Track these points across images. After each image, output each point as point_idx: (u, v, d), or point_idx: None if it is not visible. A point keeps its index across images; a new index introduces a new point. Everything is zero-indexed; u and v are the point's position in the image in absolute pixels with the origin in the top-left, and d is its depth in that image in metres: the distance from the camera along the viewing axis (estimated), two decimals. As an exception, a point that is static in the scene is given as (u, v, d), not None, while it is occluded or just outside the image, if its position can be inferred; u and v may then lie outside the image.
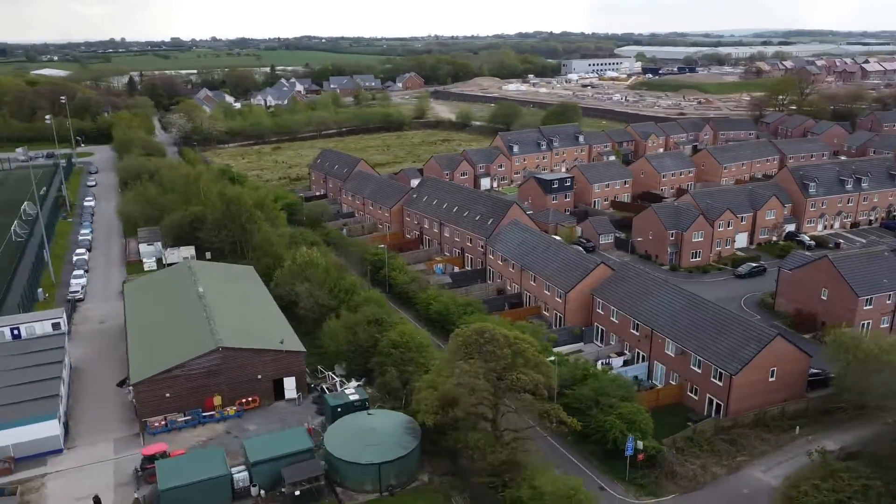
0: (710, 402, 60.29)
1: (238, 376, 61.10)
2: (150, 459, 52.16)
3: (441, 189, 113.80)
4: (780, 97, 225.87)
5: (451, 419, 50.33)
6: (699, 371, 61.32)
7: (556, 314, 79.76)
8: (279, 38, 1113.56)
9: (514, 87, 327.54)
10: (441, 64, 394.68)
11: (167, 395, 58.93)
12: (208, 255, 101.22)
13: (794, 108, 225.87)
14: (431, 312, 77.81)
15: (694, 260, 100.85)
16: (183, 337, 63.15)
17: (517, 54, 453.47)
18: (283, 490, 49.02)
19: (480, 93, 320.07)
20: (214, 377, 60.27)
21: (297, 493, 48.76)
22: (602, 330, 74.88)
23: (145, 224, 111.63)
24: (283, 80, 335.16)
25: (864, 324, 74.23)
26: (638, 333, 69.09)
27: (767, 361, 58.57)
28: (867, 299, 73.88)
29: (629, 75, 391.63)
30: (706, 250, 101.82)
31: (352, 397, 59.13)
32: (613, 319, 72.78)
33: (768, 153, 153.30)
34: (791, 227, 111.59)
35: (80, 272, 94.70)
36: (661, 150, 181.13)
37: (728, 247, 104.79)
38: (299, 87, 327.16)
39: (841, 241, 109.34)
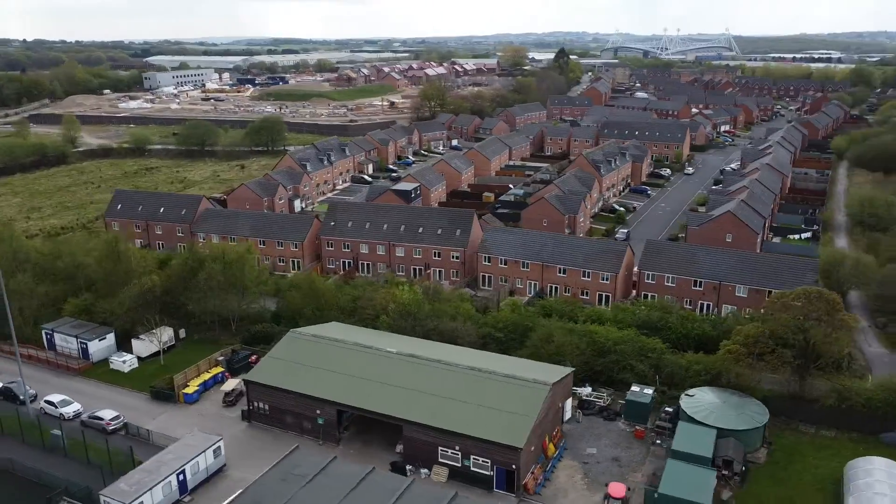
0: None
1: (551, 412, 60.21)
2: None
3: (363, 211, 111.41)
4: (431, 102, 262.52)
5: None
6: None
7: (600, 295, 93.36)
8: None
9: (136, 105, 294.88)
10: (3, 82, 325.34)
11: (532, 449, 55.39)
12: (182, 332, 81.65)
13: (438, 109, 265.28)
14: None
15: (581, 236, 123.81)
16: (488, 395, 57.99)
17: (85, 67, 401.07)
18: (735, 471, 55.17)
19: (96, 113, 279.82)
20: (545, 419, 58.42)
21: (744, 468, 55.88)
22: (654, 296, 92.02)
23: (36, 319, 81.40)
24: None
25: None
26: (702, 289, 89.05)
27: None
28: (758, 233, 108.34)
29: (230, 86, 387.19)
30: (584, 226, 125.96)
31: (647, 392, 65.06)
32: (669, 284, 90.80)
33: (503, 148, 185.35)
34: (604, 200, 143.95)
35: (60, 397, 67.13)
36: (394, 154, 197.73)
37: (586, 221, 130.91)
38: None
39: (633, 205, 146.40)
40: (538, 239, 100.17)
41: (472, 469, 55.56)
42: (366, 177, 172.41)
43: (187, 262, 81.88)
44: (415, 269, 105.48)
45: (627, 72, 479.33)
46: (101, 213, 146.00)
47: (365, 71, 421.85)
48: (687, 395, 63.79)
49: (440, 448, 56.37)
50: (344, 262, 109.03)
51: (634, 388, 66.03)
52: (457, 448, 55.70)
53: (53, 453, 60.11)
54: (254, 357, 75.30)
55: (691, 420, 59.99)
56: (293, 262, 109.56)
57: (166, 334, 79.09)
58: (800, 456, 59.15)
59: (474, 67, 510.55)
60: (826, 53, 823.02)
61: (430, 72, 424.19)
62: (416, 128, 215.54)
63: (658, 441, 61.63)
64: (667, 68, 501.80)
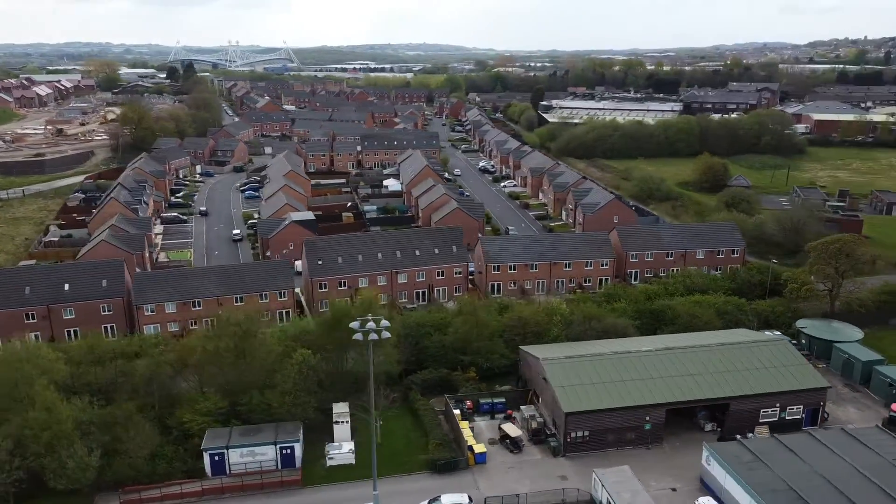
0: (731, 269, 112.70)
1: (772, 361, 74.99)
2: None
3: (348, 244, 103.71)
4: (133, 126, 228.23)
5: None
6: (723, 256, 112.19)
7: (601, 279, 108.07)
8: None
9: None
10: None
11: (810, 388, 69.56)
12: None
13: (134, 130, 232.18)
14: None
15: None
16: (759, 359, 69.35)
17: None
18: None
19: None
20: (785, 365, 72.96)
21: (884, 362, 79.85)
22: (637, 272, 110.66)
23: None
24: None
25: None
26: (672, 258, 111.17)
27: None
28: (636, 214, 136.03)
29: None
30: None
31: (777, 333, 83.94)
32: (649, 259, 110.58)
33: (300, 169, 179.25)
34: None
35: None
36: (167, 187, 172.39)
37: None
38: None
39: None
40: (533, 241, 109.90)
41: (786, 419, 67.24)
42: (179, 215, 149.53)
43: (333, 321, 69.96)
44: (418, 293, 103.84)
45: (249, 85, 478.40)
46: None
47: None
48: (802, 327, 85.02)
49: (762, 410, 66.48)
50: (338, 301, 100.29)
51: (766, 333, 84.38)
52: (777, 405, 66.66)
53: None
54: (469, 403, 70.39)
55: (831, 342, 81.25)
56: (281, 314, 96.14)
57: (342, 410, 67.22)
58: (885, 346, 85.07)
59: (71, 85, 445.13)
60: (364, 63, 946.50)
61: (39, 91, 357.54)
62: (166, 156, 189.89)
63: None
64: (283, 81, 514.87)
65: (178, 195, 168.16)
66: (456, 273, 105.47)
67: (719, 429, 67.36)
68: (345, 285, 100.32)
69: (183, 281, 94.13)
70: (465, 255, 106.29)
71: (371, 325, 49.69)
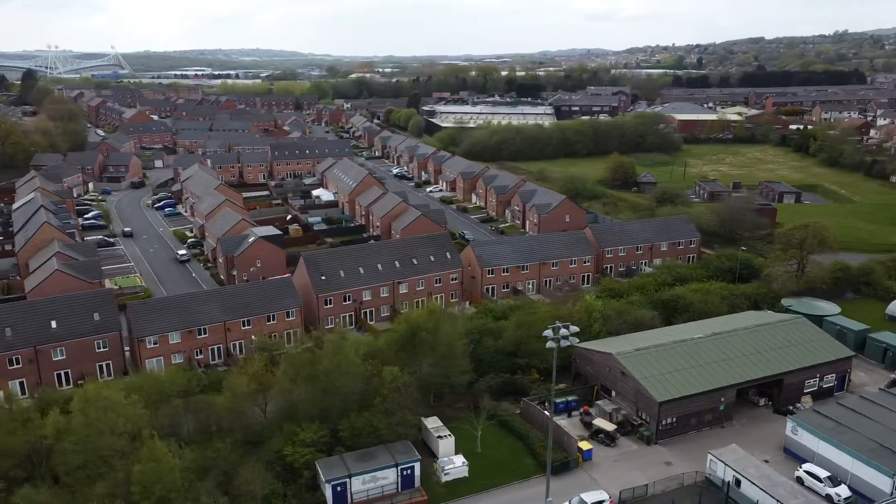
0: (691, 258, 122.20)
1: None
2: None
3: (347, 257, 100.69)
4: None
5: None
6: (683, 247, 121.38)
7: (584, 275, 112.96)
8: None
9: None
10: None
11: None
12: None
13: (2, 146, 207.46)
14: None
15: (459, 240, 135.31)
16: (791, 336, 76.68)
17: None
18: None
19: None
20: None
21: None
22: (612, 266, 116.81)
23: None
24: None
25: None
26: (641, 252, 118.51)
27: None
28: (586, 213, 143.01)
29: None
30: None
31: (770, 312, 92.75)
32: (622, 254, 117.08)
33: (216, 176, 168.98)
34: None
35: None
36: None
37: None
38: None
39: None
40: (521, 243, 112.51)
41: (823, 387, 75.02)
42: (105, 238, 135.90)
43: (408, 334, 68.34)
44: (419, 302, 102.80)
45: (94, 94, 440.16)
46: None
47: None
48: (788, 306, 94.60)
49: (806, 381, 73.70)
50: (345, 317, 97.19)
51: (769, 313, 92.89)
52: (817, 375, 74.19)
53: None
54: (545, 403, 71.55)
55: (821, 317, 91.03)
56: (288, 333, 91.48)
57: (435, 423, 66.11)
58: (852, 316, 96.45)
59: None
60: (202, 69, 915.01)
61: None
62: (59, 173, 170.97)
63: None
64: (127, 88, 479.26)
65: (87, 216, 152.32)
66: (452, 279, 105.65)
67: (770, 403, 73.85)
68: (349, 299, 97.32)
69: (184, 308, 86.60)
70: (458, 260, 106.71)
71: (563, 332, 49.74)
